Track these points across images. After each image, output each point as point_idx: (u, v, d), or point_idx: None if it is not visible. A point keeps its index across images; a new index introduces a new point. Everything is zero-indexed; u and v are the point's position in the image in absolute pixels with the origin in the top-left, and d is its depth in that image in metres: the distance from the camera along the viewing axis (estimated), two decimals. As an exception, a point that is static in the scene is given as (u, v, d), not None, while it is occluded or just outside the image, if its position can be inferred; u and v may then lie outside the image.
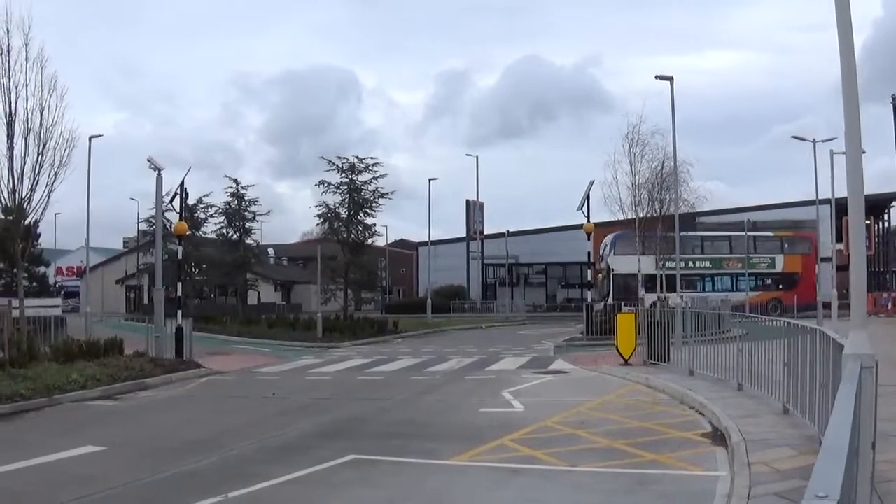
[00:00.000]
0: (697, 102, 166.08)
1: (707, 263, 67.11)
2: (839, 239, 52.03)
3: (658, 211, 64.98)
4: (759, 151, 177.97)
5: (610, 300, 59.25)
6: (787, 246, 69.42)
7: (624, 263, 60.68)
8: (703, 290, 63.36)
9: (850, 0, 9.77)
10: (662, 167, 62.06)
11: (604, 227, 58.78)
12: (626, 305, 53.13)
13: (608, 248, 64.85)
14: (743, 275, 62.61)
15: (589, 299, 56.08)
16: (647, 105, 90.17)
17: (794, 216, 77.94)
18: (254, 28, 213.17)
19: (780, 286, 66.78)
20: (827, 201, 51.07)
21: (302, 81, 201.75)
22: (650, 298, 52.96)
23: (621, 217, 65.48)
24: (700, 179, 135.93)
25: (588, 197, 43.25)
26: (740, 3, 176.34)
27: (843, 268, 47.33)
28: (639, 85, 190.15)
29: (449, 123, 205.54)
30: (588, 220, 43.70)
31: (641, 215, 64.66)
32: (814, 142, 51.15)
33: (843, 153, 10.44)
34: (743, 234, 63.53)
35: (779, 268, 68.00)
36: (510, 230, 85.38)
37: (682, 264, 54.96)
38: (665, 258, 56.05)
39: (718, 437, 13.78)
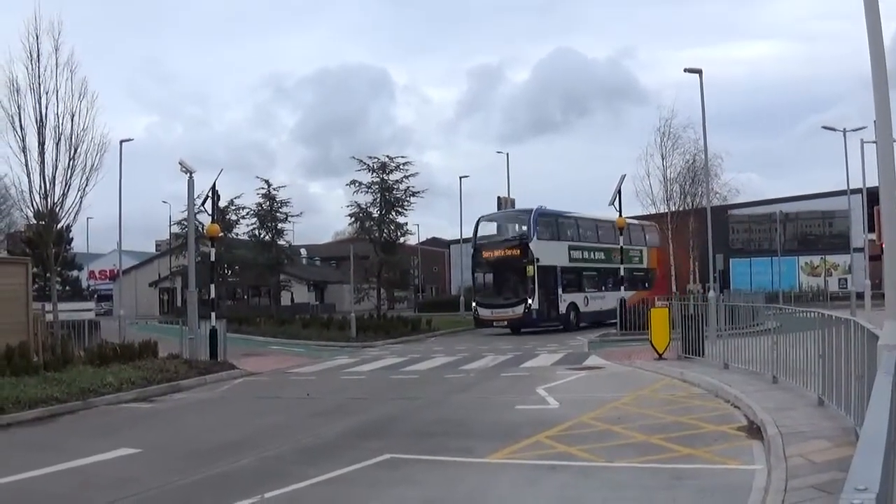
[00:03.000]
0: (732, 93, 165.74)
1: (601, 255, 51.99)
2: (871, 228, 51.77)
3: (690, 204, 65.00)
4: (793, 142, 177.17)
5: (534, 304, 45.45)
6: (648, 237, 58.56)
7: (549, 252, 46.95)
8: (599, 289, 50.67)
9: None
10: (694, 161, 62.13)
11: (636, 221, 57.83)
12: (552, 312, 46.63)
13: (529, 228, 47.41)
14: (642, 270, 54.70)
15: (475, 305, 48.93)
16: (679, 98, 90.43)
17: (826, 207, 77.65)
18: (285, 29, 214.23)
19: (647, 285, 54.59)
20: (859, 191, 50.83)
21: (334, 80, 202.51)
22: (567, 300, 47.43)
23: (653, 211, 65.39)
24: (733, 171, 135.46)
25: (619, 191, 42.81)
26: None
27: (875, 257, 47.28)
28: (674, 77, 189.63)
29: (481, 119, 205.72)
30: (620, 215, 43.11)
31: (673, 209, 64.67)
32: (844, 131, 51.04)
33: (874, 142, 10.39)
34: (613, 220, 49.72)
35: (645, 262, 56.50)
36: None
37: (576, 254, 49.66)
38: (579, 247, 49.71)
39: (754, 430, 13.71)
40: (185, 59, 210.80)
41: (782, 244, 71.79)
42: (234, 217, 68.76)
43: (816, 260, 79.35)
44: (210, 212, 33.55)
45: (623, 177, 43.78)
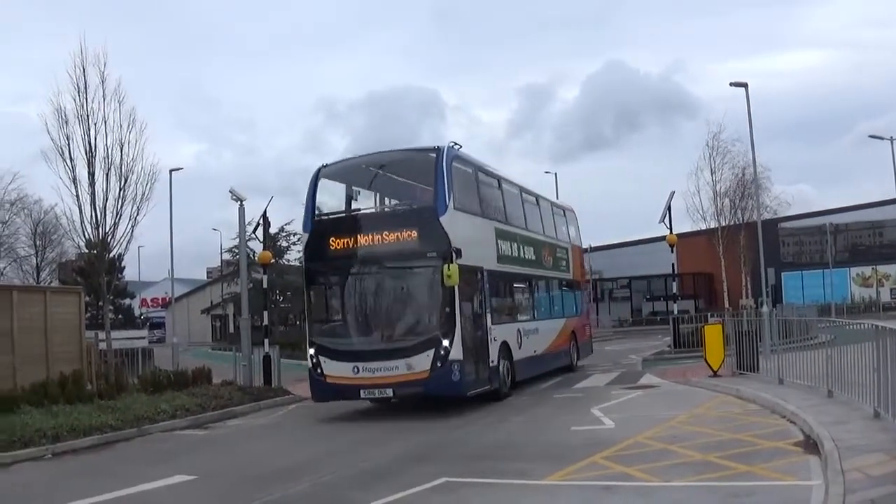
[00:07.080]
0: (782, 104, 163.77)
1: (532, 253, 29.63)
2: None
3: (740, 218, 64.66)
4: (844, 151, 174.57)
5: (453, 349, 20.88)
6: (570, 228, 36.77)
7: (472, 238, 22.84)
8: (532, 315, 28.97)
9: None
10: (744, 174, 61.82)
11: (685, 238, 57.04)
12: (481, 364, 22.67)
13: (439, 186, 21.67)
14: (568, 284, 34.73)
15: (313, 354, 22.46)
16: (730, 109, 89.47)
17: (875, 217, 77.00)
18: (333, 52, 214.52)
19: (575, 308, 35.22)
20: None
21: (384, 102, 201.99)
22: (497, 338, 23.90)
23: (703, 227, 65.00)
24: (784, 183, 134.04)
25: (669, 208, 42.20)
26: (822, 1, 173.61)
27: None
28: (725, 89, 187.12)
29: (533, 138, 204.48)
30: (671, 232, 42.33)
31: (723, 224, 64.30)
32: (891, 139, 51.03)
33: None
34: (534, 193, 32.28)
35: (570, 270, 35.16)
36: (593, 245, 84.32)
37: (505, 247, 26.52)
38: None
39: (811, 445, 13.61)
40: (232, 86, 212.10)
41: (833, 256, 71.15)
42: (284, 243, 69.14)
43: (868, 270, 78.44)
44: (261, 238, 33.68)
45: (672, 193, 42.90)
